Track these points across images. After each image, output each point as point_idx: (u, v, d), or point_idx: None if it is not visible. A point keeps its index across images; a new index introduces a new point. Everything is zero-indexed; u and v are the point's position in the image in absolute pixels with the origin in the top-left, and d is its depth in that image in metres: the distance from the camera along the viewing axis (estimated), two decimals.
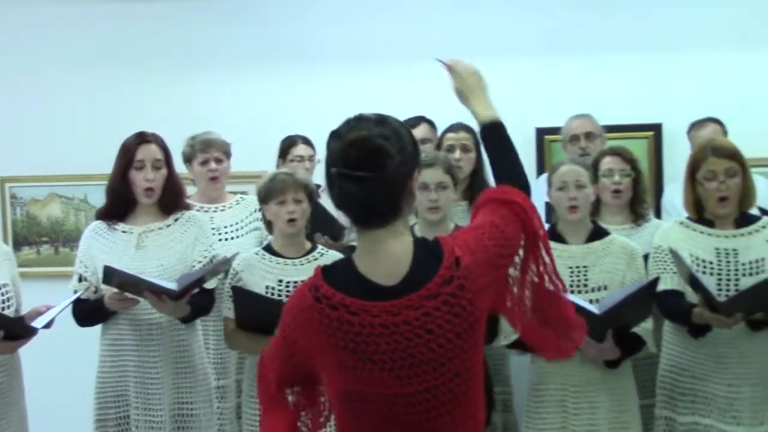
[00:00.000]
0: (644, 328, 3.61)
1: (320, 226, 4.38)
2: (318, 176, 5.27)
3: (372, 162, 2.05)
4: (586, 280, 3.68)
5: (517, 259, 2.25)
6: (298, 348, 2.17)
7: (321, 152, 5.08)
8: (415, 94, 5.34)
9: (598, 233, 3.78)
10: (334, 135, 2.12)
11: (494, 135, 2.40)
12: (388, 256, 2.11)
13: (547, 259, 2.29)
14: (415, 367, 2.07)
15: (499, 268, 2.18)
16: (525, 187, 2.31)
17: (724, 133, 4.82)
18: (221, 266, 3.74)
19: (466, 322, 2.08)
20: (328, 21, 5.75)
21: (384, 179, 2.06)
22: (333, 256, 3.81)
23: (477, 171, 4.50)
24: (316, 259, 3.77)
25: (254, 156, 5.04)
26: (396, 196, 2.11)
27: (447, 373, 2.09)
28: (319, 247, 3.88)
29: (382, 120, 2.12)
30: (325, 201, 4.73)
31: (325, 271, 2.17)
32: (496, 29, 5.60)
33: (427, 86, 5.51)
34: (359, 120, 2.12)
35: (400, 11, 5.70)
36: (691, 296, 3.58)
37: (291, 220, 3.72)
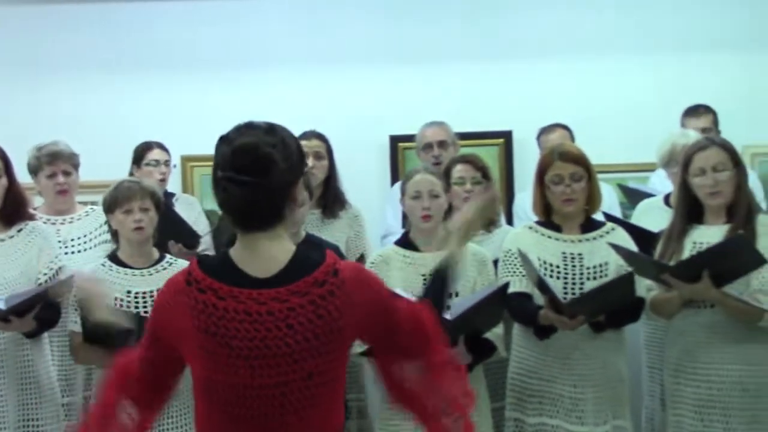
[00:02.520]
0: (495, 333, 3.68)
1: (173, 234, 4.33)
2: (174, 183, 5.21)
3: (257, 168, 2.12)
4: None
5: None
6: (165, 333, 2.20)
7: (175, 158, 5.08)
8: (267, 101, 5.32)
9: None
10: (223, 140, 2.18)
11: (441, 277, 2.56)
12: (265, 253, 2.17)
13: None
14: (269, 359, 2.11)
15: (376, 315, 2.23)
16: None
17: (572, 138, 4.96)
18: (57, 289, 3.65)
19: (328, 326, 2.13)
20: (179, 28, 5.67)
21: (268, 185, 2.12)
22: (183, 265, 3.74)
23: (330, 178, 4.52)
24: (165, 269, 3.71)
25: (104, 164, 4.90)
26: (278, 202, 2.17)
27: (300, 371, 2.12)
28: (168, 256, 3.82)
29: (271, 129, 2.19)
30: (180, 209, 4.70)
31: (200, 260, 2.23)
32: (349, 37, 5.64)
33: (279, 93, 5.54)
34: (249, 127, 2.19)
35: (250, 18, 5.67)
36: (539, 299, 3.66)
37: (138, 228, 3.64)
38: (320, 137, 4.55)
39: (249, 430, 2.15)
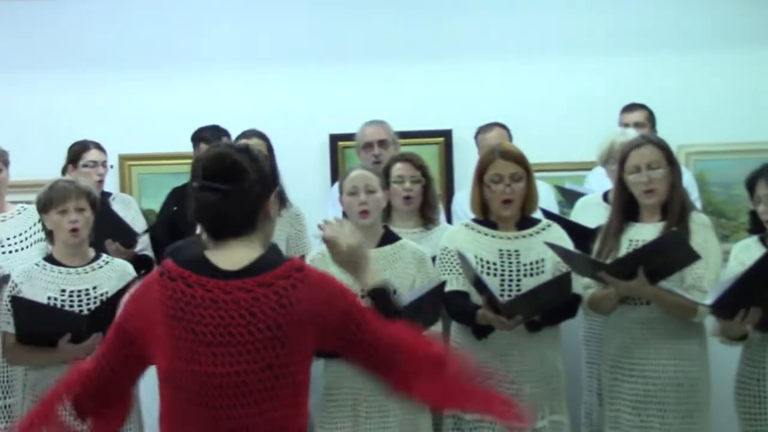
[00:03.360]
0: (433, 330, 3.68)
1: (110, 233, 4.29)
2: (111, 182, 5.14)
3: (229, 175, 2.22)
4: None
5: None
6: (132, 327, 2.25)
7: (112, 158, 5.03)
8: (206, 99, 5.29)
9: (389, 238, 3.84)
10: (198, 158, 2.33)
11: (382, 299, 2.52)
12: (235, 251, 2.25)
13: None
14: (230, 347, 2.16)
15: (342, 317, 2.25)
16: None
17: (509, 137, 4.99)
18: None
19: (290, 317, 2.17)
20: (111, 24, 5.60)
21: (240, 192, 2.22)
22: (119, 264, 3.74)
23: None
24: (101, 267, 3.69)
25: (36, 163, 4.83)
26: (250, 211, 2.26)
27: (260, 361, 2.16)
28: (104, 255, 3.78)
29: (245, 147, 2.33)
30: (117, 208, 4.64)
31: (175, 255, 2.31)
32: (289, 36, 5.62)
33: (218, 92, 5.51)
34: (221, 143, 2.38)
35: (188, 16, 5.62)
36: (476, 297, 3.69)
37: (74, 230, 3.60)
38: (260, 136, 4.54)
39: (210, 421, 2.19)
